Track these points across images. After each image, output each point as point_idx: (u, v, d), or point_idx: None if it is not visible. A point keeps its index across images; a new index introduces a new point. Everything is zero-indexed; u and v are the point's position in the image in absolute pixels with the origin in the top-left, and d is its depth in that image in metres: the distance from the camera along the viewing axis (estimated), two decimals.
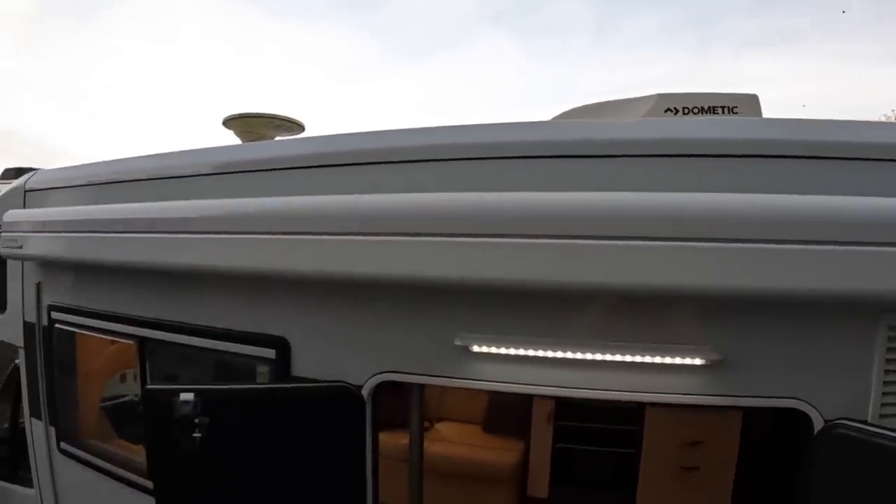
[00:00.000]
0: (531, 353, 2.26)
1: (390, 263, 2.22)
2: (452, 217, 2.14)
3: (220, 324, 2.97)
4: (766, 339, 2.13)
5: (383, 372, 2.50)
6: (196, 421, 2.57)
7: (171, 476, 2.81)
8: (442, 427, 6.96)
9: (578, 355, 2.22)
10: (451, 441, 6.58)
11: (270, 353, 2.78)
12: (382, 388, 2.58)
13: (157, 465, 2.87)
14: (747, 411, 5.83)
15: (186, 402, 2.59)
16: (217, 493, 2.73)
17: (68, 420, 4.09)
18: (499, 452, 6.30)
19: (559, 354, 2.23)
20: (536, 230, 2.01)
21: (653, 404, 6.02)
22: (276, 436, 2.64)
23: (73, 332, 3.95)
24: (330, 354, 2.66)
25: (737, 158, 2.12)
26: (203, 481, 2.71)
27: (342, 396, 2.54)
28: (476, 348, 2.30)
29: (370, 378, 2.51)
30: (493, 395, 6.67)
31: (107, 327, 3.58)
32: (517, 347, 2.26)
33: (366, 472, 2.61)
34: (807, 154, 2.07)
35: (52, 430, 4.10)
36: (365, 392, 2.51)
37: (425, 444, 6.42)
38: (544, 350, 2.24)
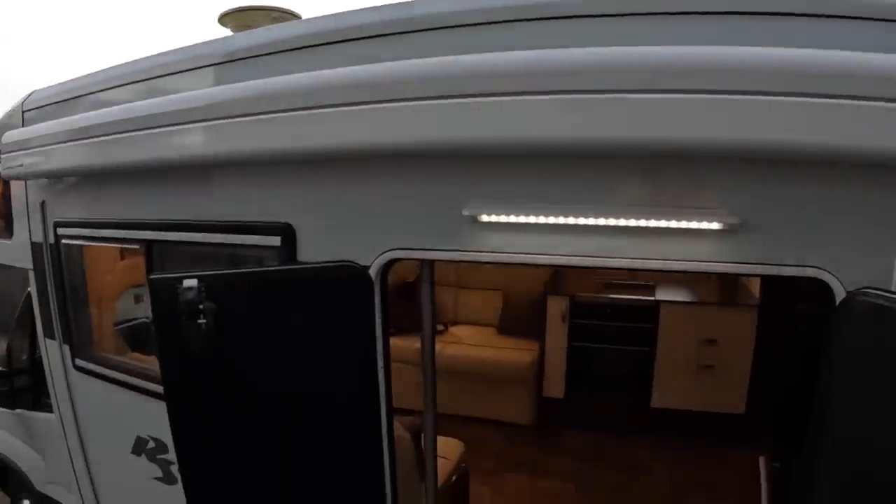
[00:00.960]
0: (541, 220, 2.17)
1: (393, 130, 2.13)
2: (456, 77, 2.04)
3: (224, 217, 2.90)
4: (787, 203, 2.02)
5: (390, 249, 2.42)
6: (201, 307, 2.53)
7: (180, 367, 2.80)
8: (456, 330, 6.98)
9: (590, 221, 2.12)
10: (466, 343, 6.60)
11: (276, 241, 2.71)
12: (390, 268, 2.51)
13: (166, 357, 2.86)
14: (762, 309, 5.86)
15: (190, 288, 2.55)
16: (227, 381, 2.71)
17: (82, 336, 4.08)
18: (514, 353, 6.31)
19: (570, 221, 2.13)
20: (542, 86, 1.92)
21: (668, 301, 6.02)
22: (283, 320, 2.59)
23: (80, 246, 3.93)
24: (335, 237, 2.59)
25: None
26: (212, 370, 2.69)
27: (349, 276, 2.48)
28: (485, 218, 2.22)
29: (377, 257, 2.44)
30: (508, 295, 6.65)
31: (112, 235, 3.53)
32: (527, 215, 2.17)
33: (376, 354, 2.56)
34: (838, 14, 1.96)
35: (67, 348, 4.10)
36: (373, 272, 2.45)
37: (440, 346, 6.48)
38: (555, 216, 2.15)
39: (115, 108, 3.07)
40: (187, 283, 2.55)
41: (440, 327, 6.91)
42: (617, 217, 2.09)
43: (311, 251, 2.65)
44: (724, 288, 6.46)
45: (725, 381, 5.89)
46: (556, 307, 6.15)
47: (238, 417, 2.76)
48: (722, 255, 2.10)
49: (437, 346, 6.36)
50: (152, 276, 2.79)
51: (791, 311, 4.53)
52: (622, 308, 6.10)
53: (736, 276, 6.48)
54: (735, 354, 5.82)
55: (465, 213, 2.23)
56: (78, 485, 4.42)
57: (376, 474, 2.72)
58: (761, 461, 2.95)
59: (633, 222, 2.09)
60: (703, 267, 2.15)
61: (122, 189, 3.38)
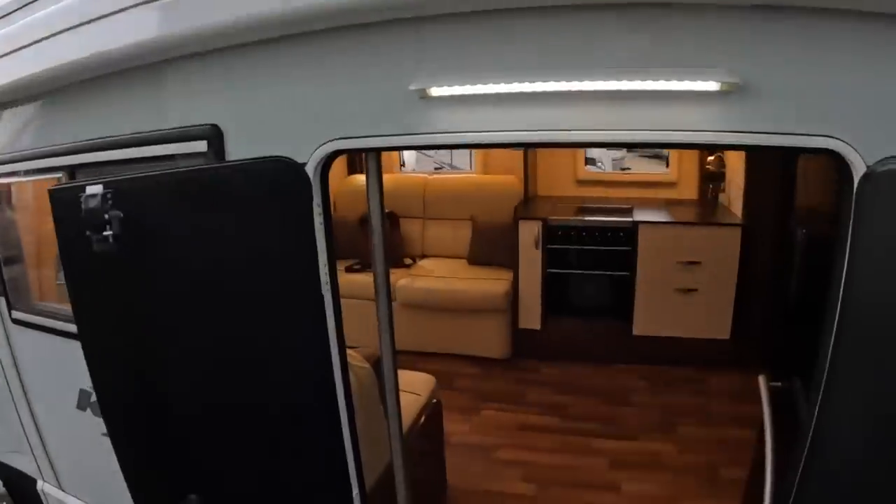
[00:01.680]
0: (503, 88, 1.78)
1: None
2: None
3: (146, 128, 2.49)
4: (796, 61, 1.66)
5: (329, 141, 2.04)
6: (107, 216, 2.15)
7: (91, 292, 2.44)
8: (426, 263, 6.63)
9: (563, 86, 1.74)
10: (436, 276, 6.26)
11: (201, 146, 2.31)
12: (331, 163, 2.14)
13: (74, 282, 2.49)
14: (746, 229, 5.58)
15: (93, 195, 2.16)
16: (146, 306, 2.34)
17: (18, 286, 3.70)
18: (486, 284, 5.98)
19: (538, 87, 1.75)
20: None
21: (646, 223, 5.69)
22: (205, 232, 2.22)
23: (7, 190, 3.61)
24: (268, 133, 2.20)
25: None
26: (127, 292, 2.32)
27: (282, 173, 2.10)
28: (436, 91, 1.83)
29: (315, 150, 2.06)
30: (477, 223, 6.29)
31: (31, 167, 3.12)
32: (485, 83, 1.79)
33: (318, 267, 2.19)
34: None
35: (2, 300, 3.71)
36: (311, 168, 2.07)
37: (409, 281, 6.17)
38: (520, 82, 1.76)
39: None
40: (91, 189, 2.16)
41: (408, 261, 6.57)
42: (594, 79, 1.72)
43: (243, 153, 2.25)
44: (706, 206, 6.16)
45: (709, 305, 5.61)
46: (529, 233, 5.81)
47: (162, 348, 2.39)
48: (720, 123, 1.74)
49: (406, 281, 6.08)
50: (50, 189, 2.40)
51: (786, 223, 4.28)
52: (598, 231, 5.77)
53: (716, 196, 6.17)
54: (719, 276, 5.53)
55: (413, 87, 1.85)
56: (30, 446, 4.06)
57: (329, 410, 2.38)
58: (761, 381, 2.65)
59: (614, 85, 1.71)
60: (699, 138, 1.79)
61: (41, 118, 2.98)
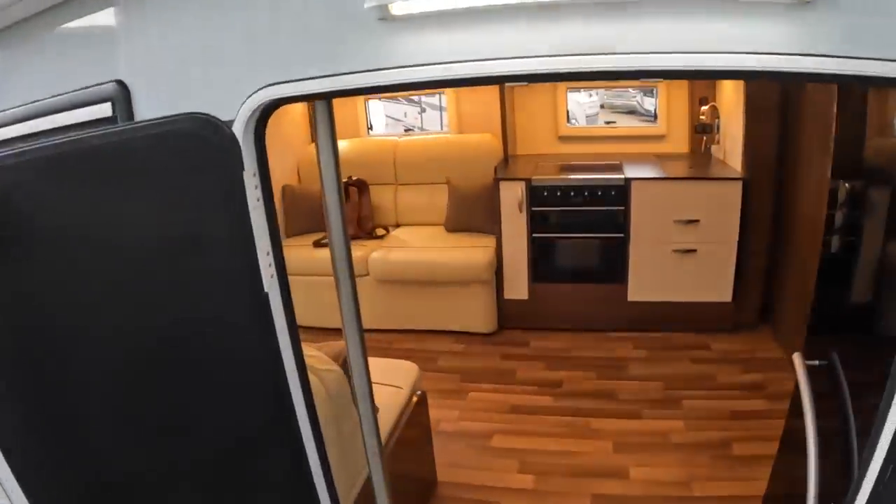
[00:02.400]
0: (487, 1, 1.28)
1: None
2: None
3: (43, 94, 1.94)
4: None
5: (262, 88, 1.53)
6: None
7: None
8: (400, 233, 6.13)
9: None
10: (412, 247, 5.76)
11: (105, 109, 1.78)
12: (267, 119, 1.63)
13: None
14: (747, 183, 5.13)
15: None
16: (35, 299, 1.82)
17: None
18: (467, 253, 5.48)
19: None
20: None
21: (639, 179, 5.21)
22: (108, 211, 1.70)
23: None
24: (185, 87, 1.69)
25: None
26: (14, 283, 1.80)
27: (199, 134, 1.57)
28: (399, 9, 1.33)
29: (243, 103, 1.55)
30: (454, 187, 5.79)
31: None
32: None
33: (255, 247, 1.68)
34: None
35: None
36: (239, 128, 1.56)
37: (383, 253, 5.67)
38: None
39: None
40: None
41: (381, 232, 6.06)
42: None
43: (156, 114, 1.72)
44: (699, 160, 5.70)
45: (710, 266, 5.17)
46: (511, 195, 5.32)
47: (60, 360, 1.88)
48: (793, 45, 1.25)
49: (379, 254, 5.55)
50: None
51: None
52: (587, 190, 5.27)
53: (709, 148, 5.71)
54: (719, 235, 5.09)
55: (369, 4, 1.34)
56: None
57: (289, 436, 1.90)
58: (796, 359, 2.20)
59: None
60: (761, 64, 1.29)
61: None
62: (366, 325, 5.38)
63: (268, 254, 1.74)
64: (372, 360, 3.88)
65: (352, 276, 2.01)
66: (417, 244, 5.76)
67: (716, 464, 3.87)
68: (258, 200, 1.68)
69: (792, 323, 4.80)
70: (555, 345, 5.37)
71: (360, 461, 2.81)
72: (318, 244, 5.74)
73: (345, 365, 2.90)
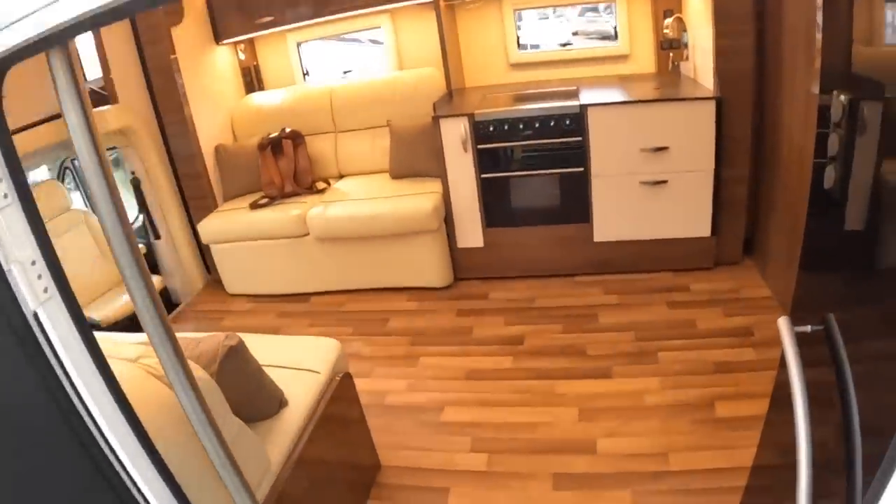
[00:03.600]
0: None
1: None
2: None
3: None
4: None
5: None
6: None
7: None
8: (342, 185, 5.54)
9: None
10: (353, 199, 5.16)
11: None
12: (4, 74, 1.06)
13: None
14: (721, 102, 4.51)
15: None
16: None
17: None
18: (412, 201, 4.87)
19: None
20: None
21: (597, 105, 4.61)
22: None
23: None
24: None
25: None
26: None
27: None
28: None
29: None
30: (395, 128, 5.19)
31: None
32: None
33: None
34: None
35: None
36: None
37: (321, 209, 5.08)
38: None
39: None
40: None
41: (321, 185, 5.45)
42: None
43: None
44: (667, 79, 5.08)
45: (684, 198, 4.60)
46: (454, 133, 4.70)
47: None
48: None
49: (317, 210, 4.92)
50: None
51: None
52: (539, 121, 4.64)
53: (678, 66, 5.09)
54: (693, 162, 4.51)
55: None
56: None
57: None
58: (782, 326, 1.65)
59: None
60: None
61: None
62: (311, 289, 4.84)
63: (33, 263, 1.17)
64: (286, 340, 3.34)
65: (143, 273, 1.39)
66: (359, 195, 5.15)
67: (696, 429, 3.36)
68: (5, 197, 1.11)
69: (780, 256, 4.29)
70: (516, 295, 4.84)
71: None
72: (255, 206, 5.17)
73: (229, 359, 2.39)
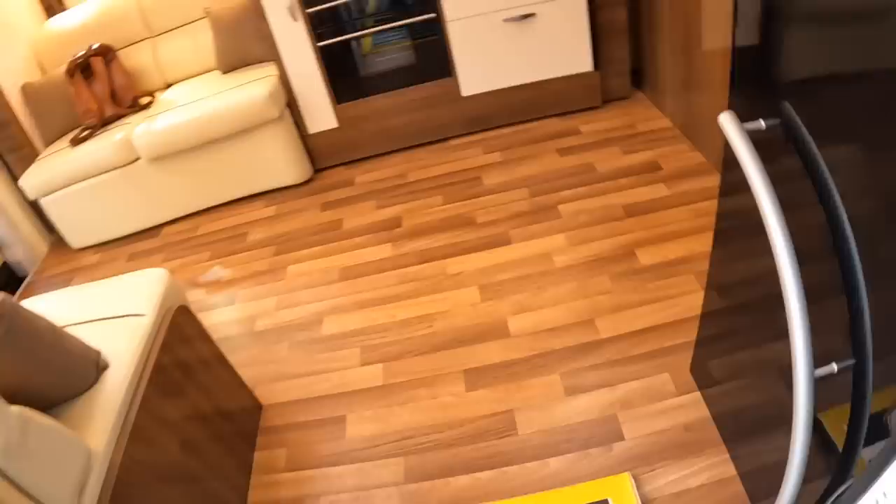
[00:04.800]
0: None
1: None
2: None
3: None
4: None
5: None
6: None
7: None
8: (170, 94, 4.66)
9: None
10: (181, 105, 4.30)
11: None
12: None
13: None
14: None
15: None
16: None
17: None
18: (246, 91, 4.06)
19: None
20: None
21: None
22: None
23: None
24: None
25: None
26: None
27: None
28: None
29: None
30: (216, 17, 4.32)
31: None
32: None
33: None
34: None
35: None
36: None
37: (146, 125, 4.22)
38: None
39: None
40: None
41: (146, 100, 4.57)
42: None
43: None
44: None
45: (557, 32, 3.97)
46: (278, 1, 3.88)
47: None
48: None
49: (142, 127, 3.85)
50: None
51: None
52: None
53: None
54: None
55: None
56: None
57: None
58: (725, 123, 1.04)
59: None
60: None
61: None
62: (159, 220, 3.95)
63: None
64: (99, 287, 2.63)
65: None
66: (188, 100, 4.30)
67: (620, 285, 2.87)
68: None
69: (675, 79, 3.76)
70: (385, 173, 4.19)
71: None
72: (76, 141, 4.28)
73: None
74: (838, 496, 1.15)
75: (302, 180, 4.34)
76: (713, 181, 3.26)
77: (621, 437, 2.32)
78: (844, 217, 1.09)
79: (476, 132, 4.28)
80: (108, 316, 2.28)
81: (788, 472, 1.15)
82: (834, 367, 1.09)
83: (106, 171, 4.23)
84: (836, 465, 1.27)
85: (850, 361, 1.10)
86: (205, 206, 4.43)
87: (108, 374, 2.03)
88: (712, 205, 1.92)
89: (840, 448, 1.25)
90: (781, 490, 1.20)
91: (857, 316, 1.08)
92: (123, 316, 2.27)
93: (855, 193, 1.08)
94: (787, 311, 1.06)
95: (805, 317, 1.05)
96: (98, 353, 2.04)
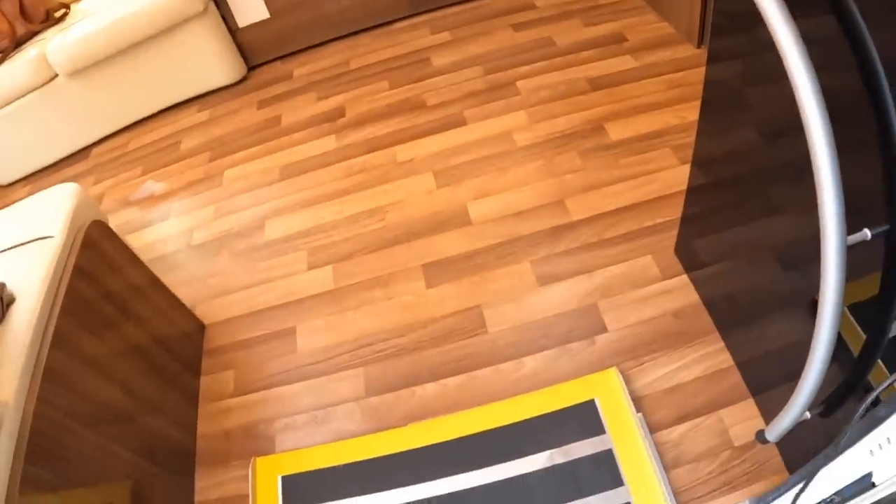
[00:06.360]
0: None
1: None
2: None
3: None
4: None
5: None
6: None
7: None
8: (84, 4, 4.19)
9: None
10: (95, 11, 3.85)
11: None
12: None
13: None
14: None
15: None
16: None
17: None
18: None
19: None
20: None
21: None
22: None
23: None
24: None
25: None
26: None
27: None
28: None
29: None
30: None
31: None
32: None
33: None
34: None
35: None
36: None
37: (60, 38, 3.77)
38: None
39: None
40: None
41: (60, 12, 4.09)
42: None
43: None
44: None
45: None
46: None
47: None
48: None
49: (57, 40, 3.45)
50: None
51: None
52: None
53: None
54: None
55: None
56: None
57: None
58: None
59: None
60: None
61: None
62: (88, 141, 3.46)
63: None
64: (6, 212, 2.22)
65: None
66: (104, 5, 3.84)
67: (590, 162, 2.60)
68: None
69: None
70: (326, 63, 3.81)
71: None
72: None
73: None
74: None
75: (235, 80, 3.94)
76: (686, 51, 3.01)
77: (604, 329, 2.08)
78: (877, 60, 0.90)
79: (422, 13, 3.91)
80: (12, 245, 1.96)
81: (813, 355, 1.00)
82: (867, 233, 0.95)
83: (24, 95, 3.80)
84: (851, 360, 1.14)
85: (885, 227, 0.95)
86: (134, 120, 4.03)
87: (14, 309, 1.71)
88: (687, 75, 1.65)
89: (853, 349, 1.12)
90: (804, 376, 1.04)
91: (893, 176, 0.93)
92: (30, 241, 1.94)
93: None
94: (815, 166, 0.89)
95: (836, 171, 0.87)
96: (2, 287, 1.73)
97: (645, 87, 2.90)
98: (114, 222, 3.01)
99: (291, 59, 3.95)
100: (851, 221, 0.90)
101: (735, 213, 1.73)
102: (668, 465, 1.80)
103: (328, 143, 3.12)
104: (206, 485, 2.05)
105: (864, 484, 1.04)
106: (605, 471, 1.79)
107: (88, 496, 1.62)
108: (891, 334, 1.04)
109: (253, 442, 2.11)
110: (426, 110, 3.10)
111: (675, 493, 1.75)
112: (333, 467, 1.97)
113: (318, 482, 1.95)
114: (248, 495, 1.95)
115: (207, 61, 3.84)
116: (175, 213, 3.12)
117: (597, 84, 2.99)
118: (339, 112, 3.30)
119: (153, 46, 3.71)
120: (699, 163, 1.84)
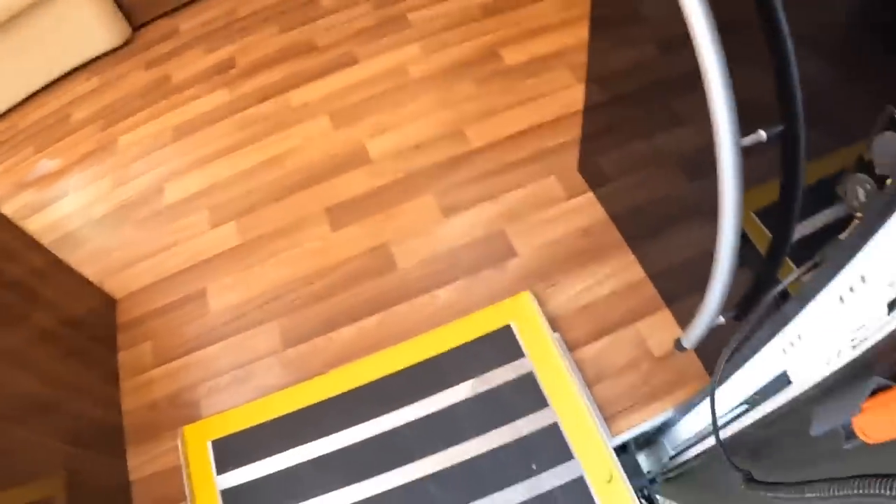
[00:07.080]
0: None
1: None
2: None
3: None
4: None
5: None
6: None
7: None
8: None
9: None
10: None
11: None
12: None
13: None
14: None
15: None
16: None
17: None
18: None
19: None
20: None
21: None
22: None
23: None
24: None
25: None
26: None
27: None
28: None
29: None
30: None
31: None
32: None
33: None
34: None
35: None
36: None
37: None
38: None
39: None
40: None
41: None
42: None
43: None
44: None
45: None
46: None
47: None
48: None
49: None
50: None
51: None
52: None
53: None
54: None
55: None
56: None
57: None
58: None
59: None
60: None
61: None
62: None
63: None
64: None
65: None
66: None
67: (487, 88, 2.58)
68: None
69: None
70: (213, 14, 3.66)
71: None
72: None
73: None
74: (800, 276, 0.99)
75: (120, 42, 3.77)
76: None
77: (514, 254, 2.08)
78: None
79: None
80: None
81: (718, 257, 1.02)
82: (762, 134, 0.94)
83: None
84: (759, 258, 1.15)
85: (779, 127, 0.95)
86: (21, 98, 3.83)
87: None
88: None
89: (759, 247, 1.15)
90: (711, 279, 1.07)
91: (784, 76, 0.92)
92: None
93: None
94: (702, 69, 0.88)
95: (724, 70, 0.87)
96: None
97: (539, 10, 2.86)
98: (11, 207, 2.90)
99: (177, 14, 3.78)
100: (749, 127, 0.91)
101: (635, 126, 1.73)
102: (590, 381, 1.82)
103: (221, 97, 3.02)
104: (140, 462, 2.02)
105: (782, 381, 1.07)
106: (528, 393, 1.80)
107: (23, 494, 1.57)
108: (796, 233, 1.05)
109: (179, 410, 2.08)
110: (317, 52, 3.02)
111: (600, 407, 1.77)
112: (261, 424, 1.95)
113: (248, 441, 1.93)
114: (181, 466, 1.92)
115: (89, 26, 3.66)
116: (73, 189, 3.00)
117: (489, 10, 2.94)
118: (230, 63, 3.19)
119: (29, 16, 3.52)
120: (595, 80, 1.83)
